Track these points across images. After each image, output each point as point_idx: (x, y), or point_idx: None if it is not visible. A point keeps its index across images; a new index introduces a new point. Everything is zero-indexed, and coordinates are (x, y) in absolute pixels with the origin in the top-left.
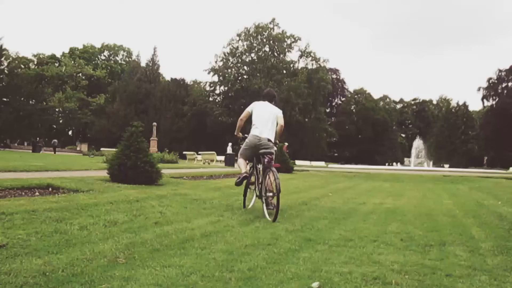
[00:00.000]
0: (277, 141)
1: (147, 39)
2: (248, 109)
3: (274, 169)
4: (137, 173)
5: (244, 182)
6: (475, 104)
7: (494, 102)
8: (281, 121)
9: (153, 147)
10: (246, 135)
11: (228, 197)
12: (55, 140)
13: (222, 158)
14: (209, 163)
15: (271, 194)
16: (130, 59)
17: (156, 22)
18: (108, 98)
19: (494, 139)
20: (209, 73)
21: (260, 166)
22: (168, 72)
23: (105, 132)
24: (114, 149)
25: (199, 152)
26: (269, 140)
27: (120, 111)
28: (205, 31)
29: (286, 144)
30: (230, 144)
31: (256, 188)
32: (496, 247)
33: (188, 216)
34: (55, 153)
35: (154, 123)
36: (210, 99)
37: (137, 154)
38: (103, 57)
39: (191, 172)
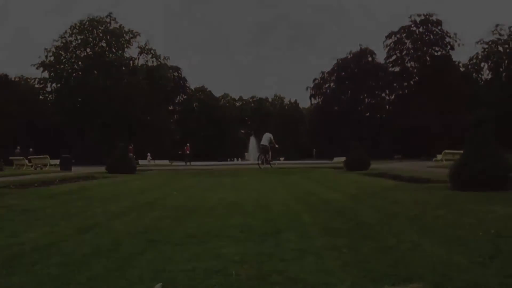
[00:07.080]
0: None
1: None
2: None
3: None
4: None
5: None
6: (306, 102)
7: (320, 100)
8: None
9: None
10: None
11: (64, 204)
12: None
13: (58, 161)
14: (41, 168)
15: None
16: None
17: None
18: None
19: (320, 133)
20: (37, 68)
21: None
22: None
23: None
24: None
25: (29, 157)
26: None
27: None
28: (31, 22)
29: (188, 144)
30: (131, 146)
31: (264, 161)
32: (321, 230)
33: (16, 230)
34: None
35: None
36: (41, 97)
37: None
38: None
39: (20, 180)
